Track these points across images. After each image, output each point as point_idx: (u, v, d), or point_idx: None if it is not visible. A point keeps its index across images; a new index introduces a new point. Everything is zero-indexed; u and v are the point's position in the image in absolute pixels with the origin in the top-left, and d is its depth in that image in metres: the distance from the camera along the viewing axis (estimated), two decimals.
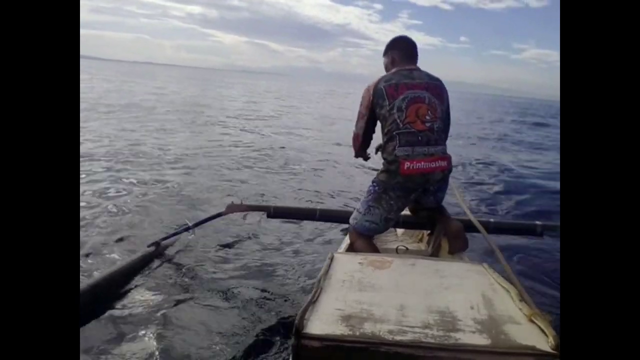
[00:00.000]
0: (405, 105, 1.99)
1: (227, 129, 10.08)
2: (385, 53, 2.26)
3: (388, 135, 2.01)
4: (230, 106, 17.02)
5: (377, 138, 2.25)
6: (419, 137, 1.97)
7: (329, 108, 21.47)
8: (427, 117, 2.00)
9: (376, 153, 2.41)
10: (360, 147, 2.35)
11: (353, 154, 2.46)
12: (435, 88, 2.10)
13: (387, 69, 2.23)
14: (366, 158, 2.50)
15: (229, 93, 27.61)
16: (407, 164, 1.94)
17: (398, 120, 1.98)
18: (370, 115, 2.13)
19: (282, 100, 24.82)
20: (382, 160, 2.07)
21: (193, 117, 11.89)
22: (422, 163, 1.95)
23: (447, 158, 2.04)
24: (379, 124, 2.16)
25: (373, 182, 2.09)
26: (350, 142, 2.37)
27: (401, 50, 2.19)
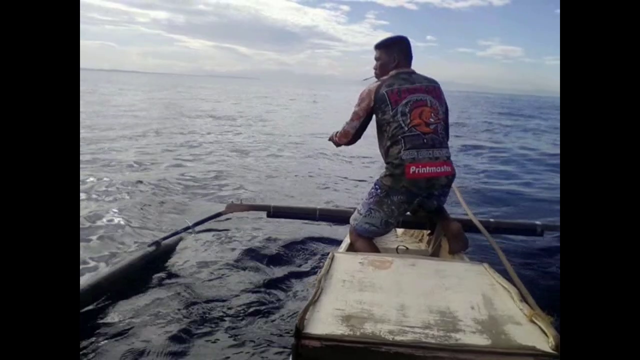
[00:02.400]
0: (408, 109, 1.99)
1: None
2: (382, 48, 2.19)
3: (392, 139, 1.99)
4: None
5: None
6: (424, 140, 1.96)
7: None
8: (431, 120, 2.00)
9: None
10: (348, 143, 2.32)
11: (334, 143, 2.41)
12: (435, 90, 2.10)
13: (382, 66, 2.18)
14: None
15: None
16: (412, 168, 1.93)
17: (403, 124, 1.98)
18: (366, 118, 2.14)
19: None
20: (386, 164, 2.05)
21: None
22: (428, 167, 1.94)
23: (452, 163, 2.04)
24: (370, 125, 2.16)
25: (376, 184, 2.07)
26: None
27: (398, 53, 2.16)
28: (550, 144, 11.55)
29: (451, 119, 2.32)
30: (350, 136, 2.26)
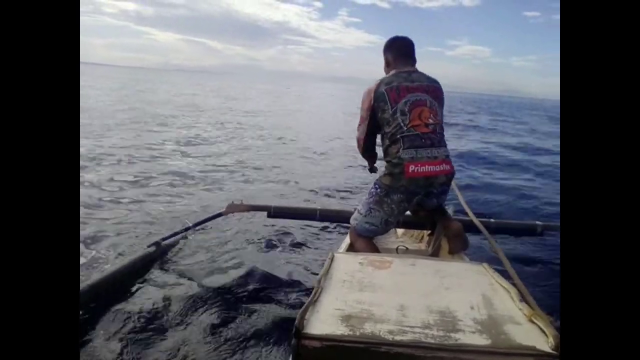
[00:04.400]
0: (408, 109, 1.98)
1: None
2: (384, 51, 2.22)
3: (392, 139, 1.98)
4: None
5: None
6: (423, 140, 1.96)
7: None
8: (430, 120, 1.99)
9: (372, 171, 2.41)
10: (364, 151, 2.31)
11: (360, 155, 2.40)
12: (435, 90, 2.09)
13: (385, 68, 2.21)
14: (372, 167, 2.44)
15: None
16: (411, 167, 1.93)
17: (402, 124, 1.97)
18: (371, 120, 2.10)
19: None
20: (385, 163, 2.05)
21: None
22: (427, 166, 1.94)
23: (450, 161, 2.04)
24: None
25: (375, 184, 2.07)
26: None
27: (394, 52, 2.17)
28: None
29: None
30: (361, 143, 2.23)
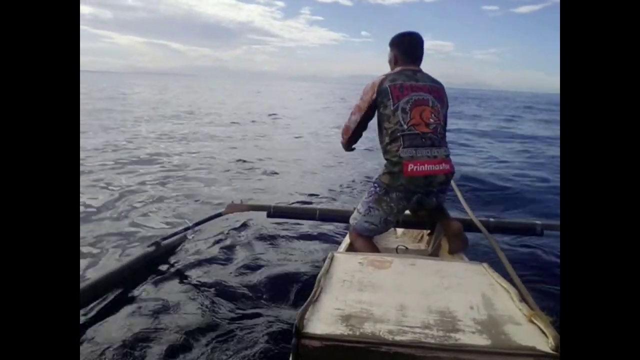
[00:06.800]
0: (409, 107, 1.99)
1: None
2: (390, 46, 2.21)
3: (392, 137, 1.99)
4: None
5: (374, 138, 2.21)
6: (423, 140, 1.96)
7: None
8: (431, 120, 2.00)
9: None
10: (349, 141, 2.32)
11: (342, 146, 2.40)
12: (438, 91, 2.10)
13: (390, 63, 2.22)
14: (350, 149, 2.43)
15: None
16: (410, 166, 1.93)
17: (402, 122, 1.97)
18: (368, 111, 2.11)
19: None
20: (384, 162, 2.05)
21: None
22: (426, 165, 1.94)
23: (450, 161, 2.04)
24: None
25: (374, 183, 2.07)
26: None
27: (404, 50, 2.16)
28: None
29: None
30: (350, 132, 2.24)
